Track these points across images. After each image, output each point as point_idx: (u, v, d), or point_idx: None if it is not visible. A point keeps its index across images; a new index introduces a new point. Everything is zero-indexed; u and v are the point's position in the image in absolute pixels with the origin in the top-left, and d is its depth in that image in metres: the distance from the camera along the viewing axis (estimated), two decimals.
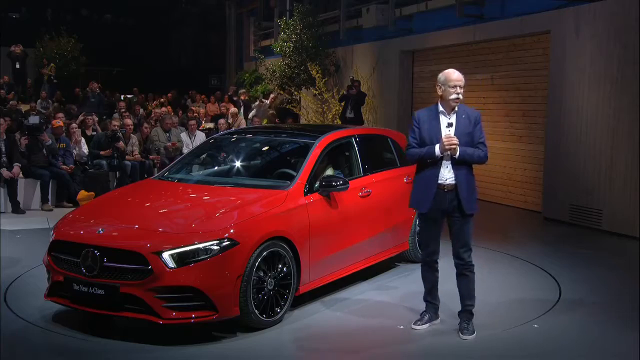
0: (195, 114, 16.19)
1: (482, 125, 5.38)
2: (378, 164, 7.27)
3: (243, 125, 15.11)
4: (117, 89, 22.57)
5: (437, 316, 5.68)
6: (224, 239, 5.21)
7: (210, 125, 15.17)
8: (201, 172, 7.05)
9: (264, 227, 5.48)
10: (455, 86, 5.23)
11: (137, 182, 9.08)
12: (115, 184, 11.76)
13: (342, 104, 15.05)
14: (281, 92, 18.10)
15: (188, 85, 22.72)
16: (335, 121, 15.26)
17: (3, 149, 10.69)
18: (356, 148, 6.93)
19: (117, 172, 11.87)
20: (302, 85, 17.34)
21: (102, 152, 11.84)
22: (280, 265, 5.58)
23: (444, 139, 5.18)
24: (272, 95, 18.48)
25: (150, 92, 21.54)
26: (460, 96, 5.26)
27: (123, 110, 16.14)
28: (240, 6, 24.95)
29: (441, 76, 5.32)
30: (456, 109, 5.32)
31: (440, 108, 5.35)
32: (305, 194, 6.02)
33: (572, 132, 10.03)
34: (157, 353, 5.06)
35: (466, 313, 5.47)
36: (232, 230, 5.27)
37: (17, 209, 10.50)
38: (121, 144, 11.86)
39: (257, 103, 18.23)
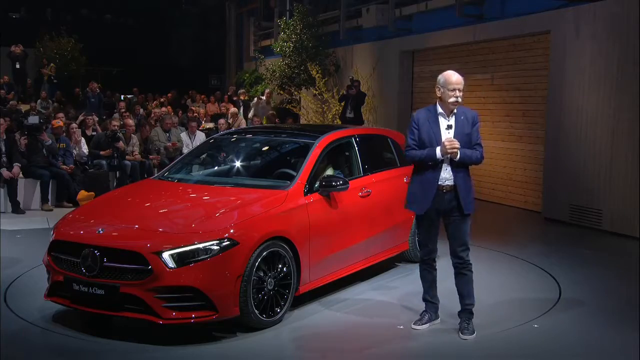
0: (195, 114, 16.19)
1: (479, 126, 5.39)
2: (378, 164, 7.27)
3: (243, 125, 15.11)
4: (117, 89, 22.57)
5: (437, 316, 5.68)
6: (224, 239, 5.21)
7: (210, 125, 15.17)
8: (201, 172, 7.05)
9: (264, 227, 5.48)
10: (454, 89, 5.22)
11: (137, 182, 9.08)
12: (115, 184, 11.76)
13: (342, 104, 15.05)
14: (281, 92, 18.11)
15: (188, 85, 22.73)
16: (335, 121, 15.26)
17: (3, 149, 10.69)
18: (356, 148, 6.93)
19: (117, 172, 11.87)
20: (302, 85, 17.35)
21: (102, 152, 11.84)
22: (280, 265, 5.57)
23: (445, 143, 5.18)
24: (266, 91, 18.52)
25: (150, 92, 21.55)
26: (460, 99, 5.25)
27: (123, 110, 16.14)
28: (240, 6, 24.95)
29: (440, 78, 5.31)
30: (455, 110, 5.32)
31: (440, 109, 5.34)
32: (305, 194, 6.02)
33: (572, 132, 10.03)
34: (157, 353, 5.06)
35: (466, 312, 5.47)
36: (232, 230, 5.27)
37: (17, 209, 10.50)
38: (121, 144, 11.86)
39: (254, 101, 18.24)
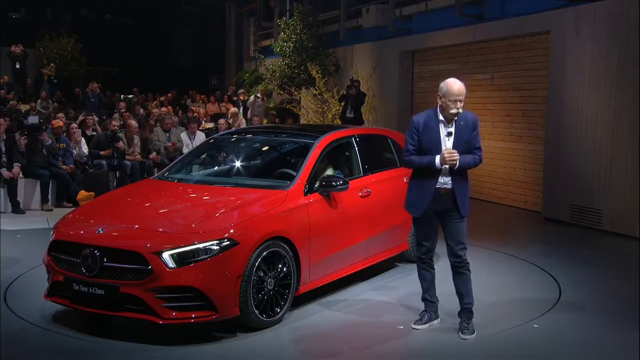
0: (195, 114, 16.20)
1: (479, 130, 5.39)
2: (378, 164, 7.27)
3: (243, 125, 15.11)
4: (117, 89, 22.57)
5: (437, 316, 5.68)
6: (224, 239, 5.21)
7: (210, 125, 15.17)
8: (201, 172, 7.05)
9: (264, 227, 5.48)
10: (455, 101, 5.21)
11: (137, 182, 9.08)
12: (115, 184, 11.76)
13: (342, 104, 15.06)
14: (281, 92, 18.12)
15: (188, 85, 22.74)
16: (335, 121, 15.26)
17: (3, 149, 10.69)
18: (356, 148, 6.93)
19: (117, 172, 11.87)
20: (302, 85, 17.34)
21: (102, 152, 11.84)
22: (280, 265, 5.58)
23: (445, 154, 5.20)
24: (259, 88, 18.56)
25: (150, 92, 21.55)
26: (460, 110, 5.23)
27: (123, 110, 16.14)
28: (240, 6, 24.95)
29: (442, 86, 5.28)
30: (455, 117, 5.32)
31: (440, 116, 5.33)
32: (305, 194, 6.02)
33: (572, 132, 10.03)
34: (157, 353, 5.06)
35: (466, 312, 5.48)
36: (232, 230, 5.27)
37: (17, 209, 10.50)
38: (121, 144, 11.86)
39: (251, 100, 18.24)
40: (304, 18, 17.22)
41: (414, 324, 5.61)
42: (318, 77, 15.91)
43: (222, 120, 14.38)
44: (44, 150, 11.00)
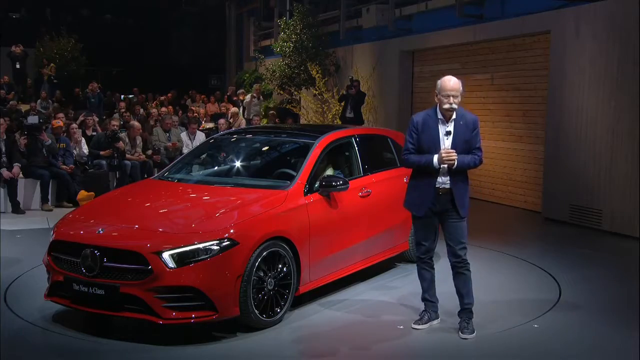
0: (195, 114, 16.19)
1: (479, 131, 5.38)
2: (378, 164, 7.27)
3: (243, 125, 15.12)
4: (117, 89, 22.58)
5: (437, 316, 5.68)
6: (224, 239, 5.21)
7: (210, 125, 15.18)
8: (201, 172, 7.05)
9: (264, 227, 5.48)
10: (448, 96, 5.20)
11: (137, 182, 9.08)
12: (115, 184, 11.76)
13: (342, 104, 15.06)
14: (281, 92, 18.12)
15: (188, 85, 22.74)
16: (335, 121, 15.26)
17: (3, 149, 10.69)
18: (356, 148, 6.93)
19: (117, 172, 11.87)
20: (302, 85, 17.35)
21: (102, 152, 11.85)
22: (280, 265, 5.58)
23: (442, 154, 5.20)
24: (255, 87, 18.56)
25: (150, 92, 21.56)
26: (454, 105, 5.22)
27: (123, 110, 16.13)
28: (240, 6, 24.95)
29: (438, 83, 5.31)
30: (454, 115, 5.31)
31: (439, 115, 5.34)
32: (305, 194, 6.02)
33: (572, 132, 10.03)
34: (157, 353, 5.06)
35: (466, 312, 5.48)
36: (232, 230, 5.27)
37: (17, 209, 10.50)
38: (121, 144, 11.86)
39: (247, 100, 18.23)
40: (304, 18, 17.23)
41: (414, 324, 5.61)
42: (318, 77, 15.92)
43: (222, 120, 14.38)
44: (44, 150, 11.00)
